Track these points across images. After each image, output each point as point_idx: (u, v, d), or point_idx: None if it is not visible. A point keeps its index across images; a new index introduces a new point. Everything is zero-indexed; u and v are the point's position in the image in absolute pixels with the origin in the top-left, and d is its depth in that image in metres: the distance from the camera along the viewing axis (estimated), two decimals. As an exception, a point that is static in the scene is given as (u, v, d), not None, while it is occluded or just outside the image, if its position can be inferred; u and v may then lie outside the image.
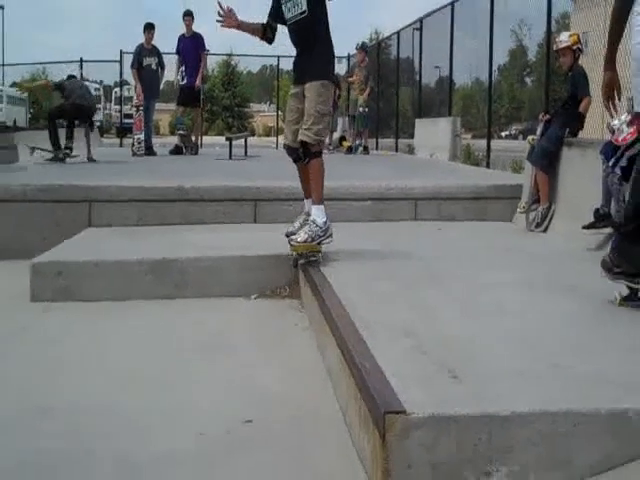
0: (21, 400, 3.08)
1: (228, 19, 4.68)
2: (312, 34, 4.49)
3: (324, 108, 4.46)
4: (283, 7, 4.56)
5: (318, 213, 4.46)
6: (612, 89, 3.52)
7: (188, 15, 12.01)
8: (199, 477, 2.48)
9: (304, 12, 4.43)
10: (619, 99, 3.57)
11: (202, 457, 2.59)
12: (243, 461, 2.56)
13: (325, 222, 4.46)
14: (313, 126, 4.40)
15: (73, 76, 11.41)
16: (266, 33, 4.78)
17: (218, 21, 4.68)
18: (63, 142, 9.74)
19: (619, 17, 3.42)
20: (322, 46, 4.55)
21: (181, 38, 12.16)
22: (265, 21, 4.77)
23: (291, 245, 4.55)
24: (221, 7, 4.64)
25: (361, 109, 13.21)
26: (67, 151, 9.69)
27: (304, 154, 4.48)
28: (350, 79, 14.00)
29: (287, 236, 4.61)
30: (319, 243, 4.49)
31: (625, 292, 3.51)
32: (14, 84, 11.51)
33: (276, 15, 4.67)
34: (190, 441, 2.69)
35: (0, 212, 6.05)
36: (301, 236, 4.45)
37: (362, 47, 13.81)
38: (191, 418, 2.90)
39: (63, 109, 9.95)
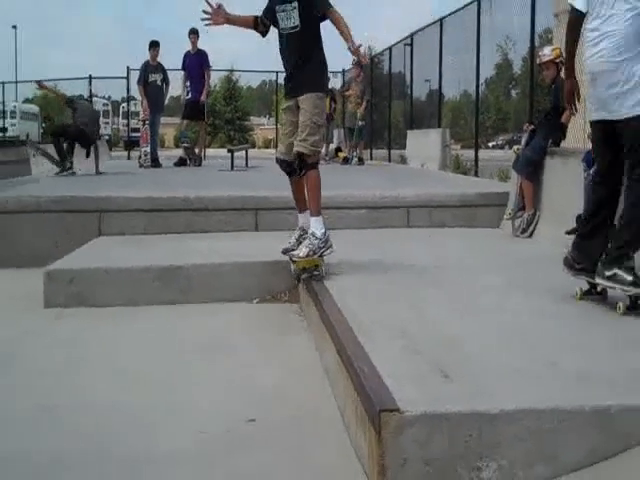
0: (31, 400, 3.08)
1: (216, 17, 4.44)
2: (306, 48, 4.35)
3: (320, 119, 4.34)
4: (277, 16, 4.38)
5: (317, 225, 4.29)
6: (573, 95, 3.76)
7: (193, 33, 11.98)
8: (199, 475, 2.47)
9: (297, 27, 4.30)
10: (579, 101, 3.80)
11: (202, 456, 2.58)
12: (243, 459, 2.55)
13: (324, 233, 4.29)
14: (309, 137, 4.26)
15: (85, 99, 11.35)
16: (258, 27, 4.58)
17: (203, 19, 4.45)
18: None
19: (572, 28, 3.65)
20: (316, 59, 4.42)
21: (187, 55, 12.17)
22: (259, 15, 4.54)
23: (293, 261, 4.42)
24: (209, 4, 4.41)
25: (360, 123, 13.22)
26: (69, 164, 9.65)
27: (300, 166, 4.29)
28: (346, 93, 14.02)
29: (284, 253, 4.46)
30: (320, 255, 4.32)
31: (585, 287, 3.67)
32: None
33: (270, 16, 4.45)
34: (191, 440, 2.68)
35: (16, 222, 6.08)
36: (302, 251, 4.29)
37: (357, 62, 13.81)
38: (193, 418, 2.90)
39: (66, 129, 9.89)
